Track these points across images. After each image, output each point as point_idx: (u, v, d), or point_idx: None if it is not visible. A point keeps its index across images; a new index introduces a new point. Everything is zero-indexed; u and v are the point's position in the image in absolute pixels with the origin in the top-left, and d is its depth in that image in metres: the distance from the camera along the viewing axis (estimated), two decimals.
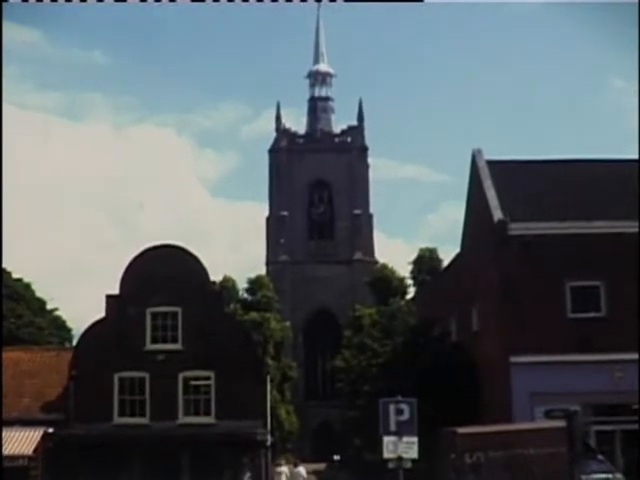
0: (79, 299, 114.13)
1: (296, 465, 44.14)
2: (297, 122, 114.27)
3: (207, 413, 39.13)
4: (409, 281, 78.20)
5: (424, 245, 76.75)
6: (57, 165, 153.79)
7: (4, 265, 62.61)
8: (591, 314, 32.11)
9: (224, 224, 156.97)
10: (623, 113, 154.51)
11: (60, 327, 68.87)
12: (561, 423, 24.51)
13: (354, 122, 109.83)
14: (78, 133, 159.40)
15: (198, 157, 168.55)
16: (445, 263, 56.10)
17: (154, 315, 39.85)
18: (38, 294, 68.86)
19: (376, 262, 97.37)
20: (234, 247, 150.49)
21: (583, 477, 24.15)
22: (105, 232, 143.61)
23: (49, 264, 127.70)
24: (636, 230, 31.74)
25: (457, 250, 42.41)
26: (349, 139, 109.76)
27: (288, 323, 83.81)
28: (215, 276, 65.34)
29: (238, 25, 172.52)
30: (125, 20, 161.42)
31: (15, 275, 66.25)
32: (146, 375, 39.15)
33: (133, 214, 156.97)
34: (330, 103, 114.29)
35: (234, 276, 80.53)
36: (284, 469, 43.29)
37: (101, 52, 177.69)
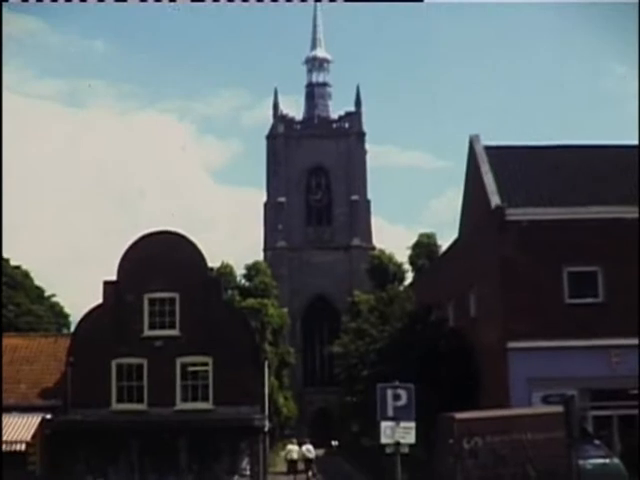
0: (77, 285, 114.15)
1: (304, 443, 50.12)
2: (297, 108, 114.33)
3: (205, 399, 39.14)
4: (407, 267, 78.33)
5: (426, 231, 76.72)
6: (58, 152, 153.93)
7: (3, 253, 62.74)
8: (589, 300, 32.05)
9: (226, 210, 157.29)
10: (625, 99, 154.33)
11: (58, 314, 68.91)
12: (558, 408, 24.47)
13: (352, 108, 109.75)
14: (80, 120, 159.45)
15: (200, 143, 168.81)
16: (444, 249, 56.06)
17: (152, 301, 39.81)
18: (37, 282, 68.89)
19: (374, 248, 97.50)
20: (235, 233, 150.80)
21: (580, 462, 24.14)
22: (106, 218, 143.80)
23: (48, 251, 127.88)
24: (635, 215, 31.68)
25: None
26: (347, 125, 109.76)
27: (286, 309, 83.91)
28: (216, 262, 65.68)
29: (239, 12, 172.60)
30: (127, 8, 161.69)
31: (13, 263, 66.19)
32: (144, 361, 39.15)
33: (134, 200, 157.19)
34: (327, 89, 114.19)
35: (236, 262, 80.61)
36: (294, 447, 49.61)
37: (103, 40, 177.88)
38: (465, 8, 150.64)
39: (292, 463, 48.69)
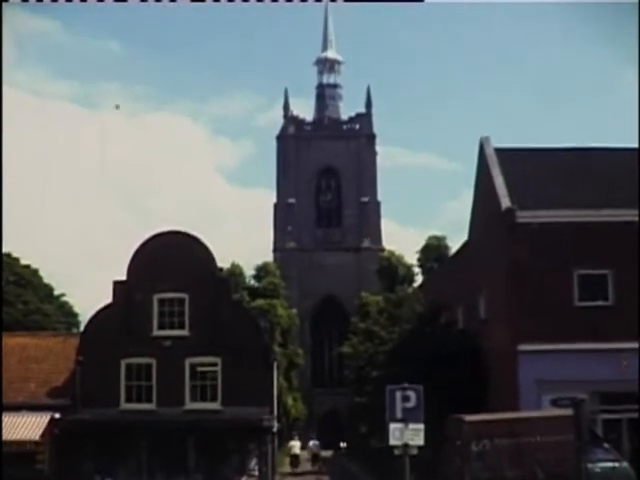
0: (87, 285, 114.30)
1: (311, 439, 55.99)
2: (308, 110, 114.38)
3: (214, 399, 39.19)
4: (417, 269, 78.15)
5: (436, 233, 76.63)
6: (72, 152, 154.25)
7: (12, 251, 62.91)
8: (599, 302, 32.00)
9: (237, 211, 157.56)
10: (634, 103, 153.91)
11: (67, 313, 68.98)
12: (568, 411, 24.44)
13: (362, 109, 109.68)
14: (93, 121, 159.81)
15: (214, 144, 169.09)
16: (453, 251, 55.99)
17: (161, 301, 39.86)
18: (46, 280, 68.98)
19: (383, 250, 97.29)
20: (246, 234, 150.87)
21: (589, 465, 24.07)
22: (117, 218, 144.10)
23: (58, 250, 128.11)
24: None
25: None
26: (357, 126, 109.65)
27: (295, 310, 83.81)
28: (226, 262, 65.66)
29: (250, 13, 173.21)
30: (141, 9, 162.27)
31: (23, 261, 66.31)
32: (153, 361, 39.21)
33: (146, 200, 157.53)
34: (338, 90, 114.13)
35: (246, 263, 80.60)
36: (297, 443, 53.48)
37: (117, 41, 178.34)
38: (475, 8, 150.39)
39: (294, 458, 52.42)
